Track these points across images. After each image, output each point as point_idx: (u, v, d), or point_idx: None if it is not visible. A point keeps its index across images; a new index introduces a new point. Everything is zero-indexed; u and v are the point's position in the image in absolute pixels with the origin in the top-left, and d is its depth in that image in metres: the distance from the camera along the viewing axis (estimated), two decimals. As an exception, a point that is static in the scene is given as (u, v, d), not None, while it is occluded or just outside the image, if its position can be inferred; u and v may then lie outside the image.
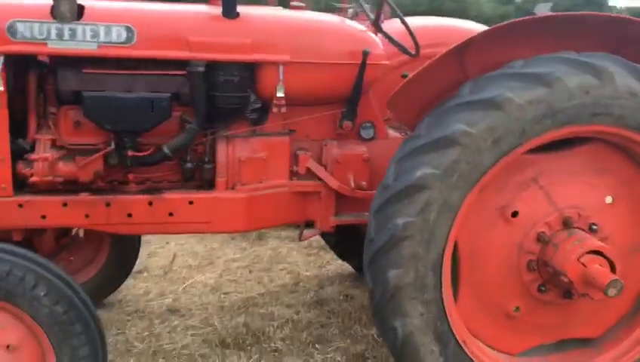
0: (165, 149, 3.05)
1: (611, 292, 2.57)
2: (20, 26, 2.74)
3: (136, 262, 5.06)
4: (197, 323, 4.03)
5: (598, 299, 2.68)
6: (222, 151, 3.16)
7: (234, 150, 3.18)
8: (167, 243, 5.58)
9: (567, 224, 2.79)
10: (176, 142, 3.06)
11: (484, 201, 2.79)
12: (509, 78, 2.59)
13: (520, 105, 2.54)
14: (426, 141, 2.59)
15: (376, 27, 3.53)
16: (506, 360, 2.98)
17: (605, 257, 2.67)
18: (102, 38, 2.86)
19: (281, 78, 3.05)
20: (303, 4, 3.44)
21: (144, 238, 5.53)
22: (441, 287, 2.69)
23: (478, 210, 2.79)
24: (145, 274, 4.92)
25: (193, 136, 3.08)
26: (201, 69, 2.98)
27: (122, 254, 4.24)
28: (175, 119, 3.09)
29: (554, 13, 2.74)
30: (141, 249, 5.39)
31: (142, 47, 2.91)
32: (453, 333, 2.75)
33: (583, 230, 2.81)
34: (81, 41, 2.84)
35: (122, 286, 4.53)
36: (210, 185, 3.17)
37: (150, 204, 3.04)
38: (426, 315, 2.69)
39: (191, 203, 3.08)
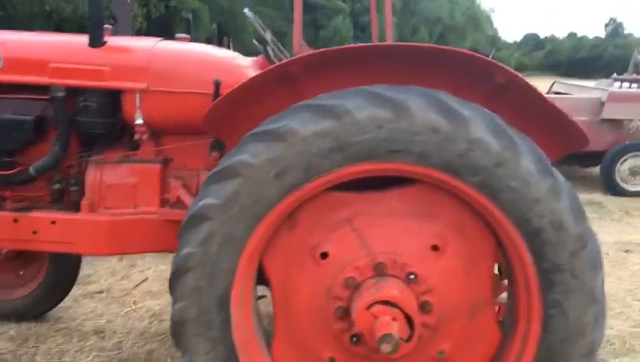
0: (31, 170, 3.21)
1: (385, 348, 2.29)
2: None
3: (105, 283, 5.31)
4: (109, 346, 4.11)
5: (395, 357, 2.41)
6: (90, 175, 3.27)
7: (102, 175, 3.26)
8: (150, 267, 5.74)
9: (378, 270, 2.55)
10: (41, 164, 3.21)
11: (295, 240, 2.62)
12: (305, 110, 2.44)
13: (304, 137, 2.38)
14: (216, 170, 2.51)
15: (266, 56, 3.48)
16: None
17: (401, 310, 2.39)
18: None
19: (138, 105, 3.12)
20: (188, 36, 3.50)
21: (136, 258, 5.77)
22: (230, 326, 2.54)
23: (289, 249, 2.63)
24: (104, 294, 5.09)
25: (55, 158, 3.21)
26: (61, 94, 3.13)
27: (59, 272, 4.42)
28: (50, 142, 3.25)
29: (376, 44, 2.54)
30: (129, 270, 5.64)
31: (7, 72, 3.11)
32: (245, 379, 2.58)
33: (400, 279, 2.55)
34: None
35: (74, 303, 4.76)
36: (76, 207, 3.27)
37: (15, 221, 3.20)
38: (212, 354, 2.55)
39: (53, 222, 3.19)
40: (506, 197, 2.39)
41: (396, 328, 2.34)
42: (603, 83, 11.62)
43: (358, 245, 2.57)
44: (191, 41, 3.55)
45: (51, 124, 3.21)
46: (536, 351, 2.51)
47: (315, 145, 2.38)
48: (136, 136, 3.20)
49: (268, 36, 3.66)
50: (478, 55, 2.51)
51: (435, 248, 2.57)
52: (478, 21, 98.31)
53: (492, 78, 2.50)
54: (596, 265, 2.45)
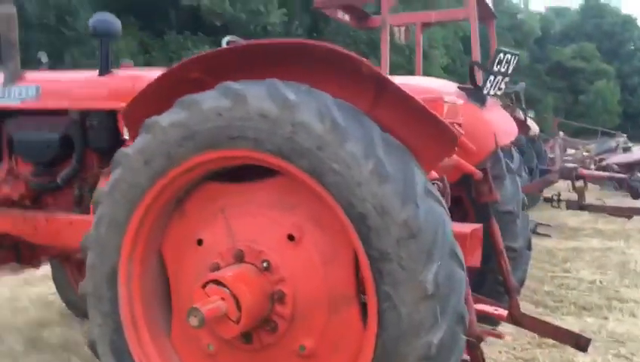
0: (58, 179, 3.91)
1: (192, 321, 2.33)
2: None
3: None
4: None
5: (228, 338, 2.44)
6: (100, 183, 3.85)
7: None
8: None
9: (238, 257, 2.60)
10: (64, 174, 3.90)
11: (183, 228, 2.82)
12: (176, 105, 2.67)
13: (163, 127, 2.62)
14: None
15: None
16: None
17: (229, 290, 2.42)
18: (22, 95, 3.97)
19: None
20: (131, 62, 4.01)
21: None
22: (117, 302, 2.80)
23: (178, 237, 2.83)
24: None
25: (74, 169, 3.86)
26: (76, 116, 3.80)
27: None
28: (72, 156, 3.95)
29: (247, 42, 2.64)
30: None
31: (43, 101, 3.90)
32: (130, 354, 2.79)
33: (255, 266, 2.57)
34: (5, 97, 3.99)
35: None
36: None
37: (47, 221, 3.90)
38: (104, 327, 2.83)
39: (71, 223, 3.83)
40: (331, 181, 2.33)
41: (215, 305, 2.38)
42: None
43: (225, 233, 2.68)
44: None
45: (72, 141, 3.90)
46: (374, 348, 2.32)
47: (172, 134, 2.61)
48: (130, 150, 3.71)
49: None
50: (338, 49, 2.49)
51: (291, 238, 2.55)
52: None
53: (360, 72, 2.46)
54: (430, 256, 2.21)
